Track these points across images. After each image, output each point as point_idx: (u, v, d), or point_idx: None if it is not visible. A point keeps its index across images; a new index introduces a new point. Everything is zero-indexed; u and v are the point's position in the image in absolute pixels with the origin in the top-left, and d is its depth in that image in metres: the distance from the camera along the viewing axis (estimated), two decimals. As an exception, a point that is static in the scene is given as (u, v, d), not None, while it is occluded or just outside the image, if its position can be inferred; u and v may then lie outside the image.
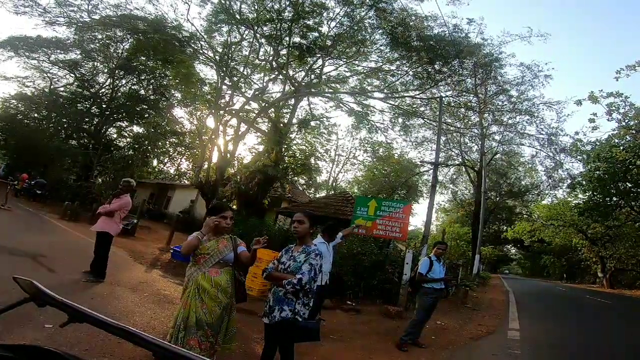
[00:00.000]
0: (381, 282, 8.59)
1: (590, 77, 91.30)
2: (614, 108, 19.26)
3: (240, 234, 7.45)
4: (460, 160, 27.19)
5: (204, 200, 14.32)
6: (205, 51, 15.51)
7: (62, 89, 23.67)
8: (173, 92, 21.84)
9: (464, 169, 29.46)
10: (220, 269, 2.98)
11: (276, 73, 15.63)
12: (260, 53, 15.56)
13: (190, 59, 15.21)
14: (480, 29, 15.45)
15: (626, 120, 19.33)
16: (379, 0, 13.17)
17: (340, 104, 16.86)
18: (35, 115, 23.11)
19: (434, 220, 43.44)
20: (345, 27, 14.08)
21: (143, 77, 22.70)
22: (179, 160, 32.49)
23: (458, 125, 21.26)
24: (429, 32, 14.05)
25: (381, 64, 15.58)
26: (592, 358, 5.38)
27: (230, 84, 15.38)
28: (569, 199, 28.01)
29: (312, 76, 16.16)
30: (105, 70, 22.86)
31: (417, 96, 16.57)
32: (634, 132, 19.02)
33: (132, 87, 23.81)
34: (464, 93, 17.08)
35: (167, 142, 27.98)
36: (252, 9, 14.17)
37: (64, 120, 23.11)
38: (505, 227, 39.77)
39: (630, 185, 20.29)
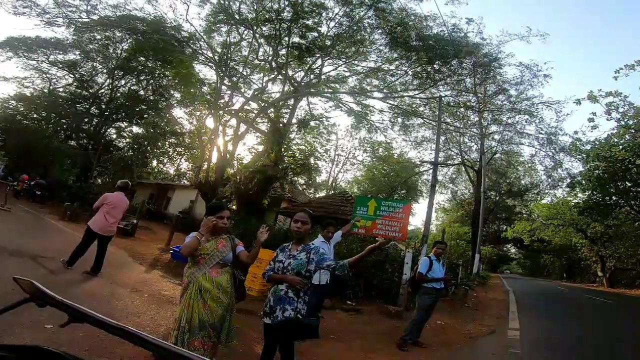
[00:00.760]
0: (381, 282, 8.60)
1: (589, 76, 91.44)
2: (613, 107, 19.28)
3: (240, 234, 7.46)
4: (460, 159, 27.24)
5: (204, 200, 14.31)
6: (205, 51, 15.51)
7: (61, 89, 23.68)
8: (172, 92, 21.85)
9: (463, 169, 29.51)
10: (220, 269, 2.98)
11: (275, 73, 15.62)
12: (260, 53, 15.57)
13: (190, 59, 15.20)
14: (480, 29, 15.45)
15: (625, 120, 19.35)
16: (378, 0, 13.17)
17: (340, 104, 16.87)
18: (35, 115, 23.13)
19: (433, 220, 43.44)
20: (344, 27, 14.07)
21: (142, 78, 22.71)
22: (179, 160, 32.53)
23: (457, 125, 21.28)
24: (428, 32, 14.06)
25: (380, 63, 15.57)
26: (590, 356, 5.38)
27: (230, 84, 15.38)
28: (569, 198, 28.03)
29: (312, 76, 16.16)
30: (105, 71, 22.88)
31: (417, 96, 16.57)
32: (633, 131, 19.04)
33: (132, 87, 23.84)
34: (463, 93, 17.08)
35: (167, 143, 27.99)
36: (251, 9, 14.16)
37: (63, 120, 23.13)
38: (505, 227, 39.80)
39: (629, 185, 20.30)
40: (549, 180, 29.09)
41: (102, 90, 24.01)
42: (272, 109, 15.56)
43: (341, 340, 5.15)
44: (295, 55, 14.62)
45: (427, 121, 18.80)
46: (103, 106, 23.62)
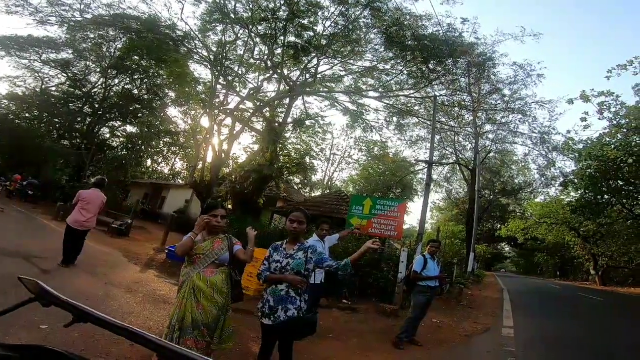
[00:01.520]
0: (377, 281, 8.63)
1: (582, 76, 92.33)
2: (605, 107, 19.51)
3: (235, 234, 7.44)
4: (454, 158, 27.37)
5: (199, 200, 14.26)
6: (200, 50, 15.42)
7: (53, 88, 23.44)
8: (167, 91, 21.70)
9: (458, 168, 29.68)
10: (215, 268, 2.97)
11: (271, 72, 15.58)
12: (255, 52, 15.53)
13: (184, 58, 15.11)
14: (474, 28, 15.54)
15: (617, 119, 19.59)
16: (374, 0, 13.19)
17: (335, 103, 16.87)
18: (27, 115, 22.87)
19: (428, 219, 43.77)
20: (340, 27, 14.07)
21: (136, 77, 22.51)
22: (173, 160, 32.37)
23: (452, 124, 21.39)
24: (423, 32, 14.11)
25: (376, 63, 15.61)
26: (584, 354, 5.45)
27: (225, 83, 15.31)
28: (562, 197, 28.30)
29: (307, 75, 16.14)
30: (98, 70, 22.68)
31: (412, 95, 16.63)
32: (624, 130, 19.28)
33: (125, 86, 23.63)
34: (458, 92, 17.18)
35: (161, 142, 27.82)
36: (247, 7, 14.11)
37: (56, 120, 22.89)
38: (499, 225, 40.11)
39: (621, 183, 20.57)
40: (542, 179, 29.33)
41: (95, 89, 23.80)
42: (267, 108, 15.53)
43: (337, 338, 5.16)
44: (290, 55, 14.60)
45: (422, 120, 18.89)
46: (96, 105, 23.40)
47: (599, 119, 19.73)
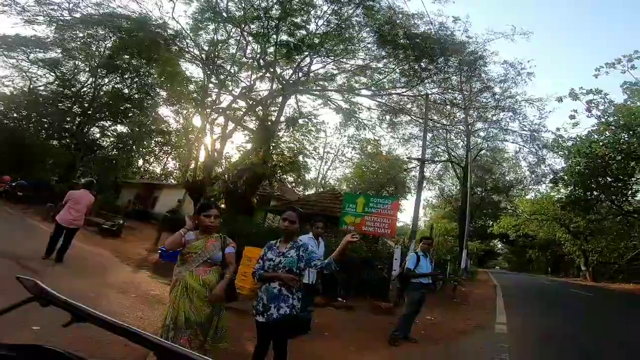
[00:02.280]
0: (371, 279, 8.66)
1: (571, 74, 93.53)
2: (593, 105, 19.80)
3: (229, 233, 7.41)
4: (447, 156, 27.58)
5: (192, 199, 14.17)
6: (191, 49, 15.30)
7: (42, 88, 23.07)
8: (158, 90, 21.50)
9: (450, 165, 29.92)
10: (208, 268, 2.96)
11: (263, 71, 15.50)
12: (248, 51, 15.42)
13: (176, 57, 14.97)
14: (466, 27, 15.64)
15: (605, 117, 19.90)
16: (366, -2, 13.20)
17: (328, 102, 16.87)
18: (15, 115, 22.47)
19: (422, 216, 44.09)
20: (332, 25, 14.06)
21: (127, 76, 22.27)
22: (165, 159, 32.12)
23: (444, 122, 21.53)
24: (416, 30, 14.16)
25: (368, 61, 15.63)
26: (576, 350, 5.54)
27: (217, 82, 15.21)
28: (552, 194, 28.56)
29: (300, 74, 16.09)
30: (87, 69, 22.38)
31: (404, 93, 16.69)
32: (613, 128, 19.59)
33: (116, 85, 23.38)
34: (450, 90, 17.29)
35: (153, 142, 27.58)
36: (239, 6, 14.01)
37: (45, 120, 22.56)
38: (491, 222, 40.53)
39: (610, 180, 20.87)
40: (533, 176, 29.73)
41: (85, 89, 23.50)
42: (260, 107, 15.47)
43: (333, 336, 5.17)
44: (283, 53, 14.54)
45: (415, 118, 18.97)
46: (86, 105, 23.12)
47: (588, 116, 20.04)
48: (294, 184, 25.05)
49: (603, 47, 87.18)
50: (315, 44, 14.25)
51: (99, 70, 21.55)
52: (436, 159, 28.27)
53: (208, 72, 14.75)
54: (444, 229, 37.14)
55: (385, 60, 15.35)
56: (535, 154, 24.03)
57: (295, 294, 2.86)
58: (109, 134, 26.20)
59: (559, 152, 22.27)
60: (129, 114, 23.64)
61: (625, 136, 18.92)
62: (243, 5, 13.91)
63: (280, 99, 15.82)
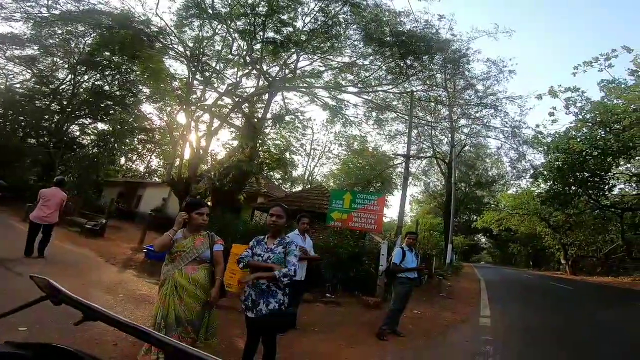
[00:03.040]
0: (359, 274, 8.74)
1: (551, 71, 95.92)
2: (571, 102, 20.39)
3: (216, 231, 7.35)
4: (432, 152, 27.96)
5: (177, 197, 13.97)
6: (176, 46, 15.02)
7: (18, 85, 22.25)
8: (141, 87, 21.03)
9: (435, 161, 30.33)
10: (197, 265, 2.97)
11: (250, 68, 15.36)
12: (234, 48, 15.24)
13: (159, 54, 14.68)
14: (450, 25, 16.00)
15: (583, 114, 20.52)
16: (354, -4, 13.23)
17: (315, 99, 16.86)
18: (-10, 113, 21.65)
19: (408, 212, 44.64)
20: (320, 23, 14.04)
21: (107, 73, 21.69)
22: (149, 157, 31.53)
23: (429, 119, 21.82)
24: (402, 28, 14.29)
25: (355, 59, 15.68)
26: (556, 341, 5.74)
27: (202, 79, 15.01)
28: (532, 189, 29.18)
29: (287, 71, 16.01)
30: (66, 66, 21.68)
31: (390, 90, 16.84)
32: (590, 124, 20.22)
33: (96, 82, 22.74)
34: (434, 87, 17.54)
35: (135, 139, 27.01)
36: (225, 3, 13.83)
37: (22, 118, 21.81)
38: (475, 217, 41.31)
39: (587, 175, 21.51)
40: (514, 171, 30.47)
41: (64, 86, 22.78)
42: (246, 104, 15.33)
43: (322, 332, 5.22)
44: (270, 50, 14.44)
45: (400, 115, 19.17)
46: (65, 102, 22.43)
47: (566, 113, 20.62)
48: (280, 181, 24.99)
49: (582, 46, 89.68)
50: (302, 41, 14.21)
51: (78, 67, 20.92)
52: (421, 155, 28.64)
53: (193, 69, 14.52)
54: (429, 224, 37.64)
55: (371, 58, 15.44)
56: (516, 150, 24.67)
57: (284, 289, 2.89)
58: (90, 131, 25.55)
59: (539, 148, 22.87)
60: (110, 112, 23.05)
61: (602, 132, 19.56)
62: (229, 1, 13.74)
63: (266, 96, 15.72)
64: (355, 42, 15.09)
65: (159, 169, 30.82)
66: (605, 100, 19.79)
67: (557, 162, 20.98)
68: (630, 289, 17.44)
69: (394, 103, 18.63)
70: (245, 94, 15.97)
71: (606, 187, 22.46)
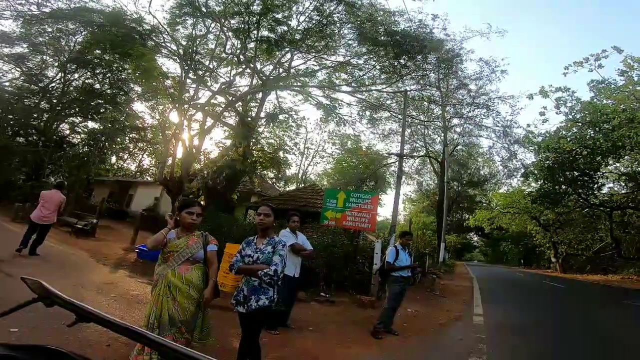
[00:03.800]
0: (353, 273, 8.75)
1: (542, 71, 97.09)
2: (562, 102, 20.69)
3: (209, 230, 7.30)
4: (425, 151, 28.12)
5: (169, 197, 13.86)
6: (168, 44, 14.88)
7: (7, 83, 21.83)
8: (132, 86, 20.78)
9: (428, 160, 30.51)
10: (190, 265, 2.94)
11: (243, 67, 15.29)
12: (227, 46, 15.14)
13: (152, 53, 14.52)
14: (444, 25, 16.02)
15: (573, 114, 20.83)
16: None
17: (309, 98, 16.84)
18: (-22, 112, 21.19)
19: (401, 211, 44.80)
20: (314, 22, 14.01)
21: (98, 71, 21.35)
22: (141, 156, 31.22)
23: (422, 118, 21.94)
24: (396, 28, 14.32)
25: (349, 58, 15.70)
26: (548, 339, 5.81)
27: (195, 77, 14.89)
28: (523, 188, 29.52)
29: (281, 70, 15.98)
30: (56, 64, 21.33)
31: (384, 90, 16.88)
32: (579, 124, 20.52)
33: (86, 81, 22.40)
34: (428, 87, 17.63)
35: (127, 138, 26.70)
36: (219, 1, 13.73)
37: (10, 116, 21.42)
38: (467, 216, 41.59)
39: (577, 174, 21.82)
40: (505, 170, 30.82)
41: (53, 84, 22.40)
42: (240, 103, 15.25)
43: (317, 331, 5.22)
44: (264, 49, 14.38)
45: (394, 114, 19.24)
46: (54, 101, 22.06)
47: (557, 113, 20.93)
48: (274, 180, 24.92)
49: (573, 46, 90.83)
50: (296, 40, 14.17)
51: (68, 65, 20.59)
52: (415, 154, 28.80)
53: (186, 68, 14.40)
54: (422, 222, 37.90)
55: (365, 57, 15.46)
56: (507, 149, 24.95)
57: (275, 287, 2.93)
58: (80, 130, 25.17)
59: (530, 148, 23.17)
60: (101, 110, 22.73)
61: (591, 132, 19.85)
62: (223, 0, 13.65)
63: (260, 95, 15.67)
64: (350, 42, 15.13)
65: (151, 168, 30.53)
66: (595, 100, 20.09)
67: (547, 162, 21.25)
68: (619, 286, 17.73)
69: (387, 102, 18.71)
70: (239, 92, 15.89)
71: (595, 186, 22.80)
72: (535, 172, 23.32)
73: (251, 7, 13.20)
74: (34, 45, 18.97)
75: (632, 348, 5.53)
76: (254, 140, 15.18)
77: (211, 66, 15.73)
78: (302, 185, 26.88)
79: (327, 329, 5.39)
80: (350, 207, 9.18)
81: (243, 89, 16.23)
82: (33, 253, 7.06)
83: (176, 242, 2.95)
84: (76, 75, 22.20)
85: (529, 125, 31.02)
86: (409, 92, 15.31)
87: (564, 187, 22.67)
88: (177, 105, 14.16)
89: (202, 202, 13.80)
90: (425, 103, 19.52)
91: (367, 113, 19.02)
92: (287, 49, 14.76)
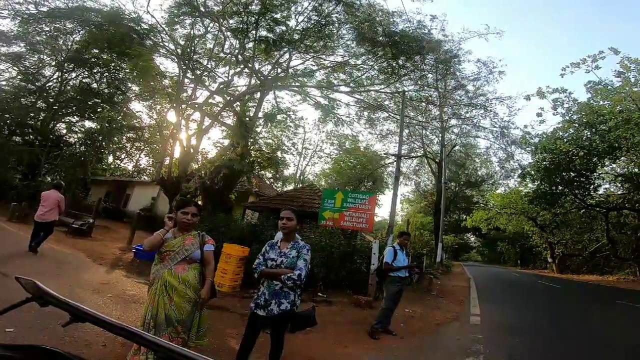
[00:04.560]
0: (350, 273, 8.76)
1: (539, 72, 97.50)
2: (558, 103, 20.79)
3: (207, 230, 7.28)
4: (422, 152, 28.17)
5: (167, 197, 13.82)
6: (167, 44, 14.84)
7: (4, 82, 21.71)
8: (130, 85, 20.71)
9: (425, 161, 30.56)
10: (187, 265, 2.94)
11: (242, 66, 15.26)
12: (226, 46, 15.11)
13: (150, 52, 14.48)
14: (442, 26, 16.12)
15: (570, 115, 20.93)
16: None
17: (307, 98, 16.83)
18: (-25, 111, 21.05)
19: (399, 211, 44.89)
20: (313, 22, 14.00)
21: (96, 70, 21.28)
22: (138, 156, 31.12)
23: (420, 119, 21.97)
24: (394, 28, 14.34)
25: (348, 58, 15.69)
26: (544, 340, 5.83)
27: (193, 77, 14.85)
28: (520, 188, 29.64)
29: (279, 70, 15.95)
30: (53, 63, 21.24)
31: (382, 90, 16.89)
32: (576, 125, 20.63)
33: (84, 80, 22.31)
34: (425, 87, 17.65)
35: (124, 138, 26.61)
36: (218, 1, 13.71)
37: (7, 116, 21.30)
38: (464, 216, 41.69)
39: (573, 175, 21.91)
40: (502, 171, 30.92)
41: (50, 84, 22.29)
42: (238, 103, 15.23)
43: (314, 331, 5.15)
44: (262, 49, 14.37)
45: (392, 115, 19.25)
46: (51, 100, 21.95)
47: (554, 114, 21.03)
48: (272, 180, 24.90)
49: (571, 47, 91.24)
50: (295, 40, 14.16)
51: (65, 64, 20.50)
52: (412, 154, 28.83)
53: (184, 67, 14.36)
54: (420, 223, 37.94)
55: (364, 57, 15.47)
56: (504, 150, 25.03)
57: (296, 291, 2.96)
58: (77, 129, 25.05)
59: (527, 148, 23.26)
60: (98, 109, 22.63)
61: (588, 133, 19.96)
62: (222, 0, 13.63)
63: (258, 95, 15.64)
64: (348, 42, 15.12)
65: (148, 167, 30.42)
66: (592, 101, 20.20)
67: (544, 162, 21.33)
68: (615, 287, 17.82)
69: (385, 103, 18.72)
70: (237, 92, 15.87)
71: (592, 186, 22.90)
72: (532, 172, 23.41)
73: (250, 7, 13.18)
74: (31, 44, 18.88)
75: (626, 348, 5.57)
76: (251, 140, 15.13)
77: (209, 66, 15.69)
78: (300, 185, 26.88)
79: (324, 329, 5.37)
80: (348, 208, 9.19)
81: (241, 89, 16.21)
82: (33, 251, 7.32)
83: (172, 242, 2.95)
84: (73, 75, 22.12)
85: (526, 126, 31.23)
86: (407, 93, 15.32)
87: (560, 187, 22.75)
88: (174, 104, 14.12)
89: (199, 202, 13.77)
90: (423, 104, 19.54)
91: (365, 113, 19.04)
92: (286, 49, 14.74)
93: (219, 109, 15.39)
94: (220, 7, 13.60)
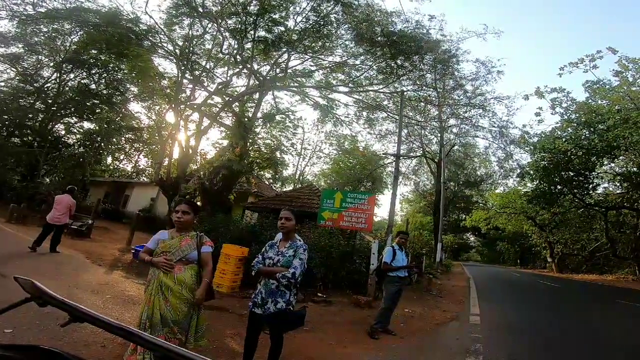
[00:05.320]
0: (350, 273, 8.75)
1: (538, 72, 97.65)
2: (557, 102, 20.82)
3: (206, 231, 7.28)
4: (421, 152, 28.19)
5: (166, 197, 13.81)
6: (165, 45, 14.84)
7: (2, 83, 21.69)
8: (128, 86, 20.70)
9: (424, 161, 30.59)
10: (183, 266, 2.93)
11: (240, 67, 15.26)
12: (224, 47, 15.12)
13: (148, 53, 14.47)
14: (441, 26, 16.12)
15: (568, 114, 20.96)
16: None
17: (306, 98, 16.84)
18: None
19: (398, 211, 44.96)
20: (311, 22, 14.01)
21: (94, 71, 21.27)
22: (137, 156, 31.10)
23: (419, 119, 21.98)
24: (393, 28, 14.35)
25: (346, 58, 15.70)
26: (544, 339, 5.84)
27: (192, 78, 14.85)
28: (519, 188, 29.68)
29: (278, 70, 15.95)
30: (51, 64, 21.23)
31: (380, 90, 16.90)
32: (575, 125, 20.66)
33: (82, 81, 22.30)
34: (424, 87, 17.66)
35: (123, 138, 26.60)
36: (216, 1, 13.70)
37: (5, 117, 21.28)
38: (464, 216, 41.75)
39: (572, 174, 21.96)
40: (501, 170, 30.96)
41: (49, 84, 22.28)
42: (236, 103, 15.23)
43: (314, 331, 5.21)
44: (261, 49, 14.37)
45: (390, 115, 19.26)
46: (50, 101, 21.93)
47: (552, 114, 21.07)
48: (271, 180, 24.89)
49: (569, 46, 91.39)
50: (293, 40, 14.16)
51: (64, 65, 20.49)
52: (411, 154, 28.86)
53: (182, 68, 14.36)
54: (419, 223, 37.99)
55: (362, 57, 15.48)
56: (503, 150, 25.06)
57: (292, 290, 3.00)
58: (75, 130, 25.04)
59: (525, 148, 23.29)
60: (97, 110, 22.62)
61: (586, 133, 19.99)
62: (220, 0, 13.62)
63: (257, 95, 15.64)
64: (347, 42, 15.13)
65: (147, 168, 30.39)
66: (590, 101, 20.23)
67: (543, 162, 21.37)
68: (614, 286, 17.84)
69: (384, 103, 18.72)
70: (236, 93, 15.87)
71: (590, 186, 22.95)
72: (531, 172, 23.44)
73: (248, 8, 13.19)
74: (30, 45, 18.87)
75: (626, 347, 5.58)
76: (250, 140, 15.15)
77: (208, 66, 15.70)
78: (299, 185, 26.89)
79: (323, 329, 5.38)
80: (347, 208, 9.20)
81: (240, 90, 16.22)
82: (53, 251, 8.03)
83: (169, 243, 2.95)
84: (72, 76, 22.12)
85: (524, 126, 31.28)
86: (405, 93, 15.33)
87: (559, 187, 22.80)
88: (173, 105, 14.11)
89: (197, 202, 13.77)
90: (422, 103, 19.55)
91: (364, 113, 19.04)
92: (284, 50, 14.75)
93: (217, 109, 15.39)
94: (219, 7, 13.59)
